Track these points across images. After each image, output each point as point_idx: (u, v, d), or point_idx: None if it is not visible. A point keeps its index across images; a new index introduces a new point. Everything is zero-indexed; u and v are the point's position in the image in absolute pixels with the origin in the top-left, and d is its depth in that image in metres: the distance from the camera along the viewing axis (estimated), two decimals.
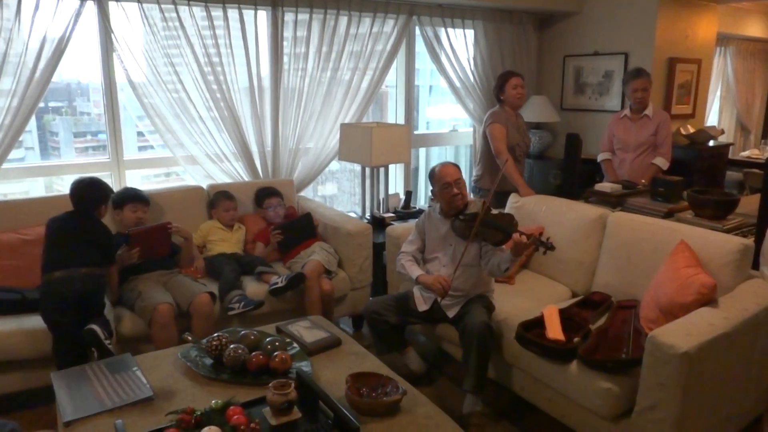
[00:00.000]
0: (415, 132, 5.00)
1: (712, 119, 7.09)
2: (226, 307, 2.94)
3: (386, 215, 3.94)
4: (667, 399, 1.99)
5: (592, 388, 2.20)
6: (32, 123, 3.81)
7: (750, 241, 2.55)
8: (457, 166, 2.80)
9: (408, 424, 1.85)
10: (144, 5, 3.44)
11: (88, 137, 4.12)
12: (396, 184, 4.90)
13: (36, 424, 2.42)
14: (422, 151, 5.39)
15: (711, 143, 4.71)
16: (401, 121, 4.80)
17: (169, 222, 2.99)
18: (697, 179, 4.45)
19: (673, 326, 2.12)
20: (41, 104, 3.78)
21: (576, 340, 2.35)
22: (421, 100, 5.33)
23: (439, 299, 2.71)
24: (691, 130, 4.71)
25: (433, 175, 2.81)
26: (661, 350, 1.99)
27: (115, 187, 3.66)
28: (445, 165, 2.80)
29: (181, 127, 3.69)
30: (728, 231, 2.86)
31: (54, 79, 3.37)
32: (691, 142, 4.62)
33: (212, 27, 3.64)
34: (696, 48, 4.76)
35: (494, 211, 2.71)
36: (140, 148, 4.16)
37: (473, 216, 2.62)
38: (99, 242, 2.67)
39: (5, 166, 3.36)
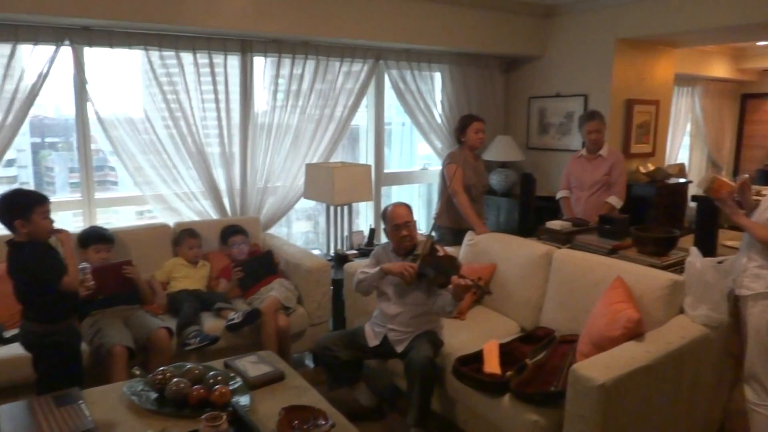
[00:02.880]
0: (386, 170, 5.15)
1: (682, 156, 7.28)
2: (183, 342, 3.03)
3: (349, 252, 4.05)
4: (588, 431, 2.07)
5: (521, 420, 2.28)
6: (28, 158, 3.95)
7: (680, 276, 2.65)
8: (408, 207, 2.92)
9: None
10: (116, 50, 3.61)
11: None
12: (366, 222, 5.02)
13: None
14: (395, 189, 5.52)
15: (671, 180, 4.86)
16: (372, 159, 4.96)
17: (128, 261, 3.10)
18: (657, 215, 4.59)
19: (595, 359, 2.22)
20: (38, 140, 3.92)
21: (509, 373, 2.44)
22: (394, 138, 5.50)
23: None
24: (651, 168, 4.86)
25: (384, 215, 2.94)
26: (580, 383, 2.09)
27: (85, 226, 3.78)
28: (396, 206, 2.92)
29: (150, 167, 3.83)
30: (667, 267, 2.96)
31: (52, 115, 3.52)
32: (651, 179, 4.77)
33: (182, 70, 3.80)
34: (653, 89, 4.95)
35: (440, 253, 2.81)
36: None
37: (420, 256, 2.73)
38: (31, 276, 2.42)
39: None
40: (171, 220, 3.86)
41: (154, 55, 3.71)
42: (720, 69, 6.69)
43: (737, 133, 7.86)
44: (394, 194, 5.54)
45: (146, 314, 3.15)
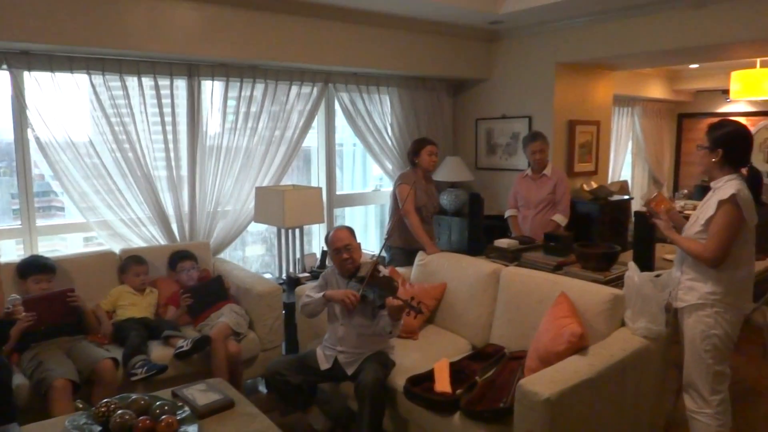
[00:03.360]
0: (338, 192, 5.16)
1: (625, 173, 7.57)
2: (129, 373, 2.94)
3: (301, 275, 4.03)
4: None
5: None
6: None
7: (621, 291, 2.75)
8: (350, 230, 2.96)
9: None
10: (57, 74, 3.53)
11: None
12: (319, 244, 5.01)
13: None
14: (347, 210, 5.53)
15: (614, 197, 5.05)
16: (323, 180, 4.97)
17: (70, 289, 3.00)
18: (602, 232, 4.74)
19: (541, 374, 2.28)
20: None
21: (459, 392, 2.47)
22: (347, 158, 5.53)
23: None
24: (594, 185, 5.04)
25: (326, 239, 2.96)
26: (527, 398, 2.13)
27: (26, 255, 3.65)
28: (337, 230, 2.95)
29: (94, 192, 3.74)
30: (609, 282, 3.07)
31: None
32: (594, 197, 4.93)
33: (126, 93, 3.74)
34: (594, 110, 5.16)
35: (381, 274, 2.83)
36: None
37: (362, 279, 2.76)
38: None
39: None
40: (117, 247, 3.77)
41: (98, 79, 3.65)
42: (656, 90, 7.02)
43: (675, 151, 8.24)
44: (348, 216, 5.56)
45: (91, 344, 3.04)
